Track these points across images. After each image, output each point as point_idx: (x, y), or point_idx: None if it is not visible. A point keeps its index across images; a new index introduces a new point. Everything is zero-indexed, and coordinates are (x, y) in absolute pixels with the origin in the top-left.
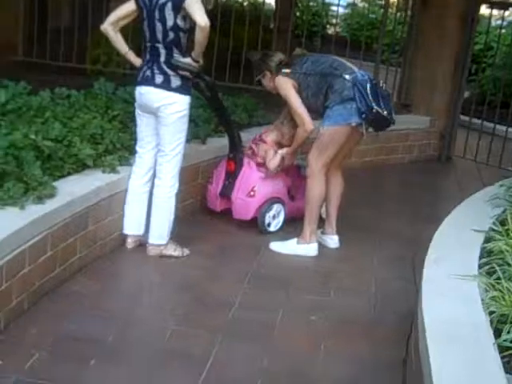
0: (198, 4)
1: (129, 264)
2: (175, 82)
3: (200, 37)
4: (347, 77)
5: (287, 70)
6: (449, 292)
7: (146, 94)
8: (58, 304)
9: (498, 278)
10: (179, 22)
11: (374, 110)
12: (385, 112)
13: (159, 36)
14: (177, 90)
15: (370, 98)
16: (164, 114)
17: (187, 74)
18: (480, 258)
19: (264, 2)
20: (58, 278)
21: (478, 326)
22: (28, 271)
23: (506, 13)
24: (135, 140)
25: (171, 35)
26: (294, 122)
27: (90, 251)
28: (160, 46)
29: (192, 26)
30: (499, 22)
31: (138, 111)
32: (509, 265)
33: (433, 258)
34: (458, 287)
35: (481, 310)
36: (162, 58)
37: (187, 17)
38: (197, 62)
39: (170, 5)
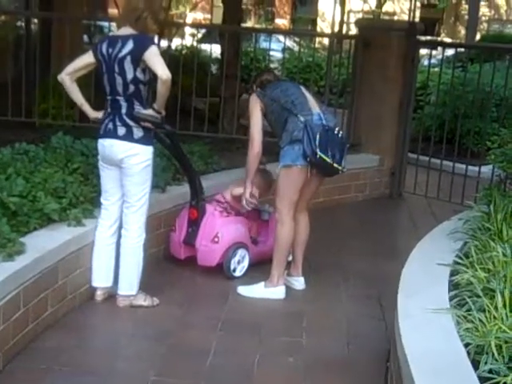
0: (158, 56)
1: (100, 316)
2: (137, 133)
3: (162, 89)
4: (301, 118)
5: (258, 89)
6: (425, 326)
7: (109, 146)
8: (33, 362)
9: (469, 310)
10: (139, 74)
11: (317, 156)
12: (329, 160)
13: (119, 89)
14: (139, 141)
15: (317, 142)
16: (128, 165)
17: (149, 125)
18: (449, 291)
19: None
20: (31, 334)
21: (458, 358)
22: (2, 329)
23: (441, 51)
24: (97, 192)
25: (131, 88)
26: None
27: (61, 305)
28: (121, 98)
29: (151, 77)
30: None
31: (101, 163)
32: (478, 296)
33: (405, 293)
34: (433, 321)
35: (458, 342)
36: (124, 110)
37: (147, 69)
38: (159, 113)
39: (129, 58)
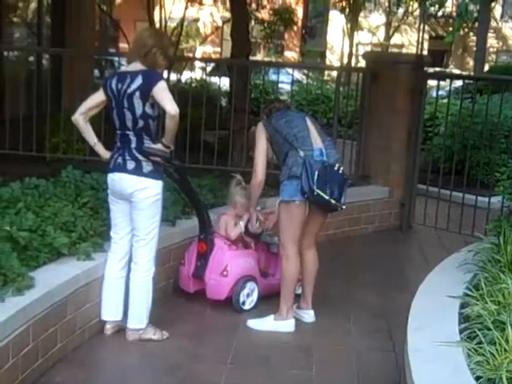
0: (166, 91)
1: (110, 351)
2: (147, 167)
3: (171, 124)
4: (301, 153)
5: (265, 118)
6: (436, 359)
7: (118, 180)
8: None
9: (479, 343)
10: (148, 109)
11: (315, 193)
12: (327, 196)
13: (129, 124)
14: (148, 175)
15: (315, 179)
16: (137, 199)
17: (158, 159)
18: (459, 324)
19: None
20: (40, 369)
21: None
22: (11, 364)
23: (449, 82)
24: (107, 226)
25: (141, 123)
26: (241, 190)
27: (71, 339)
28: (130, 133)
29: (160, 112)
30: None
31: (110, 197)
32: (488, 329)
33: (414, 326)
34: (443, 354)
35: (469, 376)
36: (133, 145)
37: (155, 104)
38: (168, 147)
39: (137, 94)
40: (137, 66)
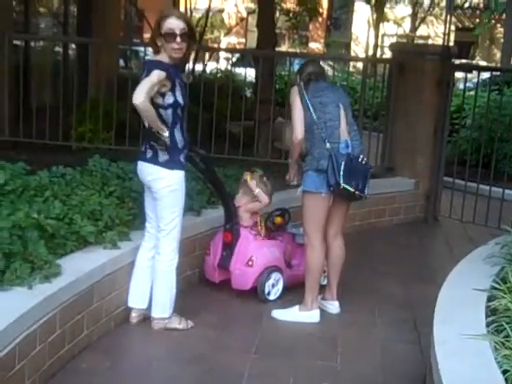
0: (147, 81)
1: (135, 339)
2: (163, 156)
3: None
4: (328, 145)
5: (301, 84)
6: (462, 352)
7: (140, 168)
8: (68, 383)
9: (507, 336)
10: (156, 99)
11: (341, 187)
12: (353, 189)
13: None
14: (164, 164)
15: (342, 173)
16: (155, 188)
17: (163, 147)
18: (486, 317)
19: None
20: (66, 356)
21: None
22: (39, 351)
23: (476, 74)
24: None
25: None
26: (262, 184)
27: (96, 327)
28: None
29: (177, 100)
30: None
31: (145, 187)
32: None
33: (440, 319)
34: (470, 347)
35: (496, 369)
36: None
37: (168, 92)
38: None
39: None
40: (156, 56)
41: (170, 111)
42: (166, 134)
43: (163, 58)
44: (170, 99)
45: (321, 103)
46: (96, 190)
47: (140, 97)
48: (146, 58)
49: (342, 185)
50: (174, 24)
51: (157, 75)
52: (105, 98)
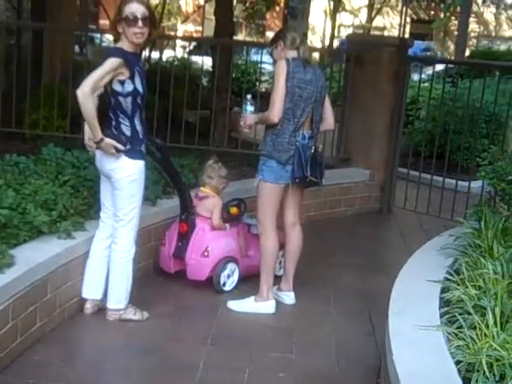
0: (99, 69)
1: (89, 330)
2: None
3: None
4: (298, 137)
5: (289, 58)
6: (417, 343)
7: (99, 157)
8: (21, 376)
9: (460, 327)
10: (115, 86)
11: (307, 179)
12: (316, 178)
13: (107, 101)
14: (125, 154)
15: (309, 165)
16: (115, 178)
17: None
18: (440, 308)
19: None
20: (19, 347)
21: (449, 375)
22: None
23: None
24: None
25: (112, 100)
26: (220, 170)
27: (50, 319)
28: (109, 111)
29: (136, 88)
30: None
31: (101, 176)
32: (469, 313)
33: (395, 310)
34: (424, 338)
35: (450, 360)
36: (113, 123)
37: (128, 80)
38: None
39: None
40: (118, 43)
41: (129, 99)
42: (98, 138)
43: (124, 45)
44: (129, 87)
45: (299, 87)
46: (50, 179)
47: (85, 88)
48: (103, 45)
49: (309, 177)
50: (135, 8)
51: (109, 63)
52: (60, 85)
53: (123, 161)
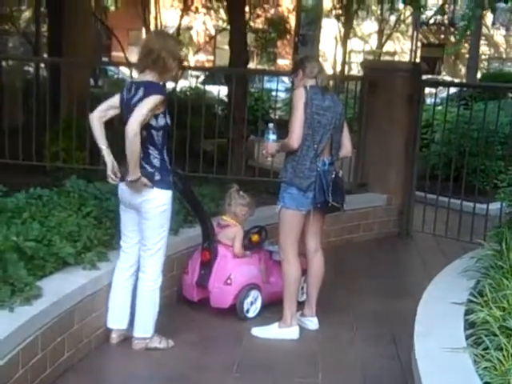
0: (145, 106)
1: (116, 359)
2: (154, 177)
3: (126, 142)
4: (318, 164)
5: (307, 86)
6: (444, 366)
7: (123, 189)
8: None
9: (486, 349)
10: (150, 120)
11: (329, 205)
12: (337, 203)
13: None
14: (156, 185)
15: (330, 191)
16: (145, 209)
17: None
18: (465, 330)
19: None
20: (48, 378)
21: None
22: (21, 375)
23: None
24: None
25: (144, 134)
26: (240, 199)
27: (78, 349)
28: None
29: (167, 123)
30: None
31: (121, 206)
32: (495, 335)
33: (421, 333)
34: (451, 360)
35: (478, 382)
36: (141, 155)
37: (160, 114)
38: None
39: (139, 105)
40: (145, 75)
41: (161, 133)
42: (136, 176)
43: (154, 78)
44: (162, 121)
45: (318, 114)
46: (73, 211)
47: (134, 125)
48: (134, 79)
49: (331, 202)
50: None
51: (154, 100)
52: (77, 118)
53: (154, 192)
